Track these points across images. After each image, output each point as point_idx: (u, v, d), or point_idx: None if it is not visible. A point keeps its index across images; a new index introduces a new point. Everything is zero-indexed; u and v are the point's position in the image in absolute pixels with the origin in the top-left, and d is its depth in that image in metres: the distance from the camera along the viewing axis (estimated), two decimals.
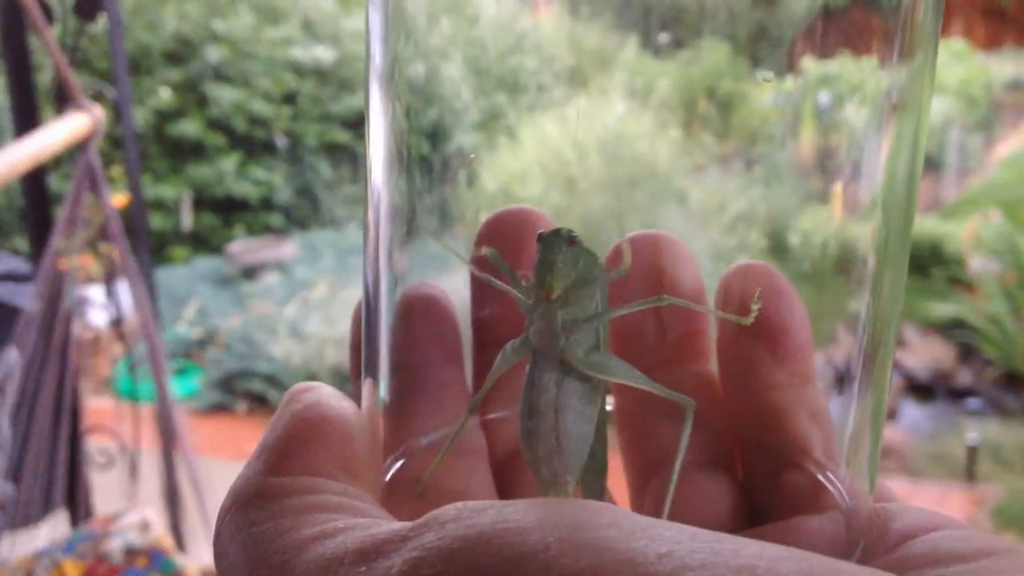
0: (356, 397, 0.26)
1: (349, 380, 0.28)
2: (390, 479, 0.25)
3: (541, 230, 0.23)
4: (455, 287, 0.27)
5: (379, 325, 0.26)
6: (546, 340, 0.24)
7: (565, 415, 0.24)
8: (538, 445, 0.24)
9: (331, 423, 0.23)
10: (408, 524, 0.19)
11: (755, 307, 0.25)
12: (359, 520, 0.20)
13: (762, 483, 0.26)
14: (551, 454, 0.24)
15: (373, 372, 0.26)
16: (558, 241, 0.23)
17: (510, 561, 0.17)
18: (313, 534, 0.20)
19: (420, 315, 0.26)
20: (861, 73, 0.24)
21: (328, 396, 0.24)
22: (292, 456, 0.22)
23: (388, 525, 0.20)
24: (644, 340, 0.27)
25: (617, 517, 0.18)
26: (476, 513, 0.18)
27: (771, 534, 0.24)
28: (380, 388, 0.26)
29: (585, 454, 0.24)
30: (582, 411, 0.24)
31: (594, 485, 0.26)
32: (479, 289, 0.27)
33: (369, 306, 0.26)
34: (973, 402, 3.50)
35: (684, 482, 0.25)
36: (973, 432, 3.02)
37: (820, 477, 0.25)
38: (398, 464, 0.26)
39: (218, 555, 0.22)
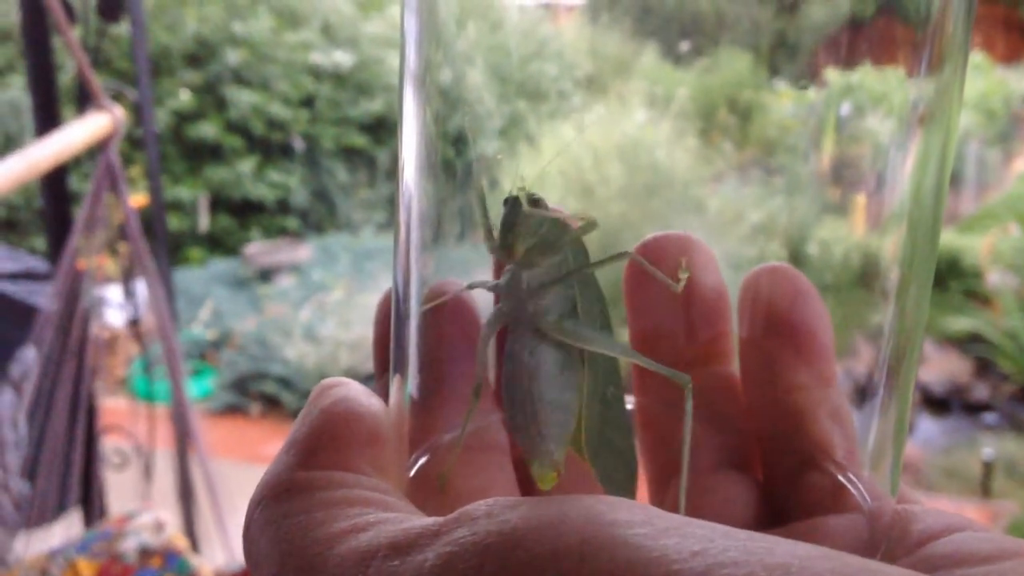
0: (380, 392, 0.27)
1: (365, 381, 0.28)
2: (414, 475, 0.26)
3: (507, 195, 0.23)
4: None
5: (407, 323, 0.26)
6: (515, 306, 0.24)
7: (539, 383, 0.24)
8: (516, 414, 0.24)
9: (360, 419, 0.23)
10: (440, 519, 0.19)
11: (683, 275, 0.25)
12: (390, 514, 0.20)
13: (783, 484, 0.26)
14: (528, 423, 0.24)
15: (401, 369, 0.26)
16: (519, 202, 0.23)
17: (544, 557, 0.17)
18: (345, 528, 0.20)
19: (441, 312, 0.26)
20: (887, 84, 0.24)
21: (357, 392, 0.24)
22: (322, 451, 0.23)
23: (420, 520, 0.20)
24: (666, 341, 0.27)
25: (649, 515, 0.18)
26: (508, 509, 0.18)
27: (792, 534, 0.24)
28: (407, 385, 0.26)
29: (568, 423, 0.24)
30: (559, 379, 0.24)
31: (618, 480, 0.26)
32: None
33: (399, 305, 0.26)
34: (989, 417, 3.48)
35: (705, 482, 0.25)
36: (989, 447, 3.00)
37: (841, 478, 0.25)
38: (422, 460, 0.26)
39: (248, 547, 0.22)
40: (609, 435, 0.26)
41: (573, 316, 0.24)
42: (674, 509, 0.25)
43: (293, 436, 0.23)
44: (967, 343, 3.79)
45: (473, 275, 0.27)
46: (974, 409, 3.55)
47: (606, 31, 0.26)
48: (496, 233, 0.24)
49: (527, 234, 0.23)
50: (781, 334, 0.25)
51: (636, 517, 0.18)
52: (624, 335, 0.27)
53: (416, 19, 0.25)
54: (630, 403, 0.28)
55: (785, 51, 0.25)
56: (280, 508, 0.21)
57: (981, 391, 3.63)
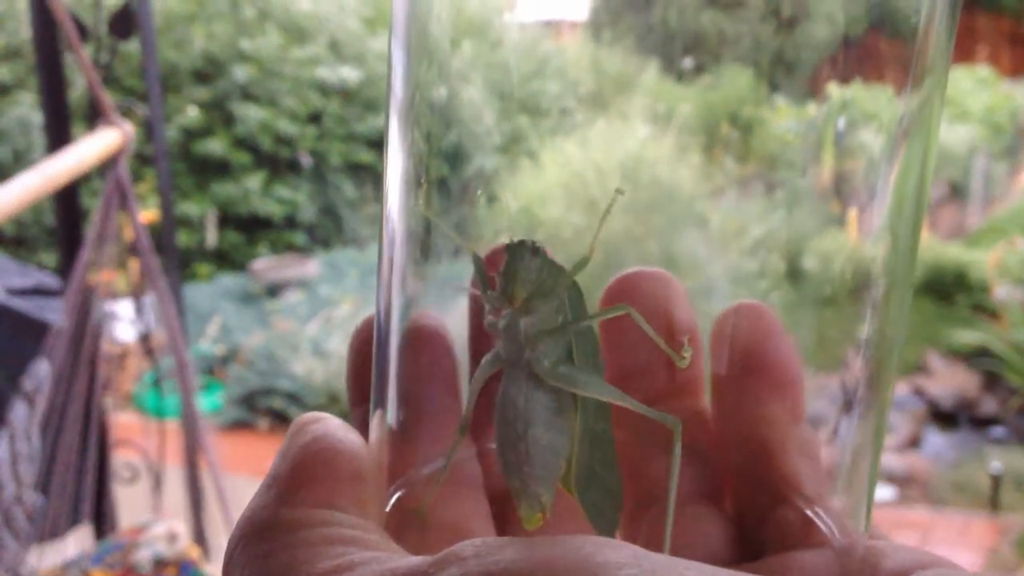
0: (356, 425, 0.27)
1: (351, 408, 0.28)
2: (390, 510, 0.26)
3: (508, 241, 0.24)
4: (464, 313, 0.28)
5: (388, 356, 0.26)
6: (512, 351, 0.24)
7: (534, 427, 0.24)
8: (509, 455, 0.24)
9: (340, 455, 0.23)
10: (427, 559, 0.19)
11: (686, 354, 0.25)
12: (375, 554, 0.20)
13: (753, 518, 0.26)
14: (521, 464, 0.24)
15: (382, 403, 0.26)
16: (521, 250, 0.23)
17: None
18: (329, 568, 0.20)
19: (419, 347, 0.26)
20: (879, 98, 0.24)
21: (336, 427, 0.24)
22: (303, 488, 0.22)
23: (406, 559, 0.20)
24: (641, 376, 0.27)
25: (637, 556, 0.18)
26: (497, 549, 0.19)
27: (764, 569, 0.24)
28: (388, 417, 0.26)
29: (558, 466, 0.24)
30: (552, 423, 0.24)
31: (606, 515, 0.26)
32: (477, 310, 0.27)
33: (380, 338, 0.26)
34: (997, 431, 3.47)
35: (677, 515, 0.25)
36: (997, 461, 2.99)
37: (810, 513, 0.25)
38: (399, 493, 0.26)
39: None
40: (598, 471, 0.26)
41: (568, 361, 0.25)
42: (650, 541, 0.25)
43: (273, 473, 0.23)
44: (975, 357, 3.78)
45: (457, 307, 0.28)
46: (982, 423, 3.54)
47: (608, 48, 0.26)
48: (496, 281, 0.24)
49: (527, 281, 0.24)
50: (752, 369, 0.26)
51: (624, 559, 0.18)
52: None
53: (403, 42, 0.25)
54: None
55: (784, 68, 0.25)
56: (261, 547, 0.21)
57: (989, 405, 3.62)
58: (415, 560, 0.19)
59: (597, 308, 0.27)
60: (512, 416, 0.24)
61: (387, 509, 0.26)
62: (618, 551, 0.18)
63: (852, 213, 0.26)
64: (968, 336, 3.85)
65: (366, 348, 0.27)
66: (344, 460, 0.23)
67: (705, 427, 0.27)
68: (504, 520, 0.27)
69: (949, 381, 3.72)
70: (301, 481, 0.23)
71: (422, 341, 0.26)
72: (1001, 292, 4.03)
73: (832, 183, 0.26)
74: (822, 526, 0.25)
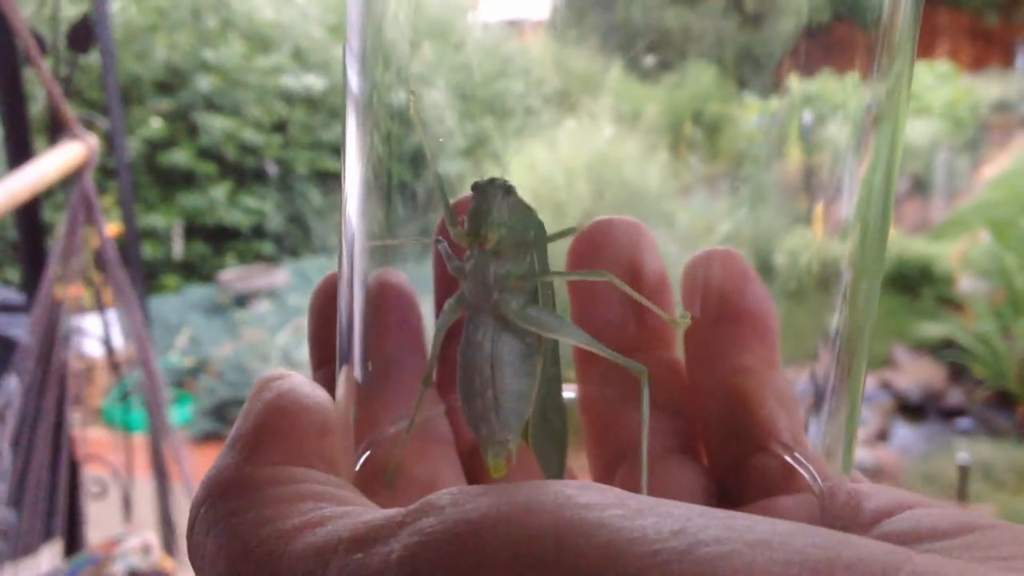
0: (320, 384, 0.26)
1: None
2: (360, 469, 0.25)
3: (476, 180, 0.23)
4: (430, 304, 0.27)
5: (352, 314, 0.25)
6: (479, 294, 0.23)
7: (501, 371, 0.23)
8: (475, 402, 0.23)
9: (306, 411, 0.22)
10: (402, 509, 0.18)
11: (683, 319, 0.25)
12: (347, 508, 0.20)
13: (730, 468, 0.25)
14: (487, 411, 0.23)
15: (349, 360, 0.25)
16: (493, 190, 0.23)
17: (519, 543, 0.17)
18: (299, 523, 0.19)
19: (384, 303, 0.26)
20: (845, 90, 0.24)
21: (300, 383, 0.23)
22: (268, 445, 0.22)
23: (381, 511, 0.19)
24: (607, 326, 0.27)
25: (621, 497, 0.18)
26: (474, 497, 0.18)
27: None
28: (354, 376, 0.25)
29: (525, 412, 0.24)
30: (519, 367, 0.24)
31: (553, 459, 0.26)
32: (442, 267, 0.27)
33: (345, 295, 0.25)
34: (964, 422, 3.50)
35: (652, 468, 0.24)
36: (964, 452, 3.02)
37: (789, 459, 0.25)
38: (368, 452, 0.25)
39: (192, 550, 0.21)
40: (548, 415, 0.26)
41: (534, 303, 0.24)
42: None
43: (236, 431, 0.22)
44: (941, 349, 3.82)
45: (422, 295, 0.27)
46: (949, 414, 3.57)
47: (571, 47, 0.26)
48: (462, 219, 0.23)
49: (499, 223, 0.23)
50: (725, 317, 0.25)
51: (608, 500, 0.17)
52: None
53: (359, 42, 0.24)
54: (571, 390, 0.27)
55: (751, 63, 0.25)
56: (226, 506, 0.20)
57: (956, 396, 3.65)
58: (390, 512, 0.19)
59: (564, 264, 0.27)
60: (477, 361, 0.23)
61: (356, 468, 0.25)
62: (603, 493, 0.18)
63: (820, 206, 0.26)
64: (934, 329, 3.89)
65: (328, 309, 0.26)
66: (310, 415, 0.22)
67: (678, 377, 0.27)
68: (475, 477, 0.26)
69: (916, 374, 3.75)
70: (266, 437, 0.22)
71: (387, 297, 0.26)
72: (965, 284, 4.07)
73: (802, 176, 0.26)
74: (802, 472, 0.25)
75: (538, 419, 0.25)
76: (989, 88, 6.51)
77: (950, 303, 4.12)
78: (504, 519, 0.17)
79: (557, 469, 0.26)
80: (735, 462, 0.25)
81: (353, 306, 0.25)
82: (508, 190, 0.23)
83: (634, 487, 0.22)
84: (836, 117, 0.24)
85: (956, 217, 5.10)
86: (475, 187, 0.23)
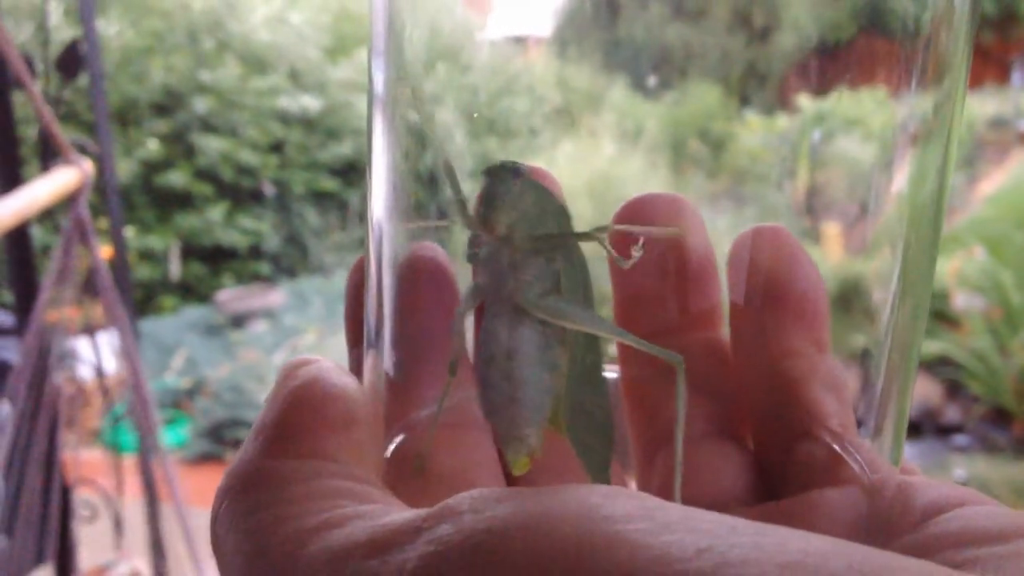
0: (354, 366, 0.25)
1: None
2: (390, 456, 0.24)
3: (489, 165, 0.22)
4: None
5: (383, 293, 0.24)
6: (493, 282, 0.23)
7: (518, 362, 0.22)
8: (492, 395, 0.23)
9: (333, 400, 0.22)
10: (420, 513, 0.18)
11: (636, 253, 0.24)
12: (366, 507, 0.19)
13: (776, 454, 0.24)
14: (505, 404, 0.22)
15: (379, 341, 0.24)
16: (503, 173, 0.22)
17: (538, 556, 0.16)
18: (317, 523, 0.19)
19: (420, 281, 0.25)
20: (867, 106, 0.23)
21: (328, 370, 0.22)
22: (291, 438, 0.21)
23: (399, 514, 0.19)
24: (652, 306, 0.26)
25: (648, 508, 0.17)
26: (494, 503, 0.17)
27: (788, 508, 0.23)
28: (383, 359, 0.24)
29: (546, 406, 0.23)
30: (539, 359, 0.23)
31: (596, 452, 0.25)
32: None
33: (375, 272, 0.25)
34: (960, 439, 3.49)
35: (695, 454, 0.24)
36: (960, 469, 3.01)
37: (838, 448, 0.24)
38: (399, 439, 0.24)
39: (215, 543, 0.21)
40: (588, 408, 0.25)
41: (556, 292, 0.23)
42: (663, 484, 0.24)
43: (261, 421, 0.22)
44: (937, 366, 3.81)
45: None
46: (946, 431, 3.56)
47: (574, 65, 0.26)
48: (473, 206, 0.23)
49: (510, 207, 0.22)
50: (774, 298, 0.24)
51: (634, 511, 0.17)
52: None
53: (384, 50, 0.24)
54: (614, 372, 0.26)
55: (758, 80, 0.24)
56: (247, 502, 0.20)
57: (952, 413, 3.64)
58: (408, 515, 0.18)
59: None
60: (495, 352, 0.22)
61: (387, 455, 0.24)
62: (627, 502, 0.17)
63: (832, 224, 0.25)
64: (930, 345, 3.89)
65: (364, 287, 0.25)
66: (336, 405, 0.22)
67: (724, 359, 0.26)
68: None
69: (913, 391, 3.75)
70: (288, 430, 0.21)
71: (420, 273, 0.25)
72: (961, 301, 4.07)
73: (817, 194, 0.25)
74: (851, 462, 0.24)
75: (575, 411, 0.24)
76: (985, 105, 6.53)
77: (946, 320, 4.12)
78: (523, 529, 0.17)
79: (601, 463, 0.25)
80: (782, 449, 0.24)
81: (383, 284, 0.24)
82: (518, 172, 0.22)
83: (673, 475, 0.22)
84: (858, 133, 0.24)
85: (952, 234, 5.11)
86: (485, 171, 0.22)
